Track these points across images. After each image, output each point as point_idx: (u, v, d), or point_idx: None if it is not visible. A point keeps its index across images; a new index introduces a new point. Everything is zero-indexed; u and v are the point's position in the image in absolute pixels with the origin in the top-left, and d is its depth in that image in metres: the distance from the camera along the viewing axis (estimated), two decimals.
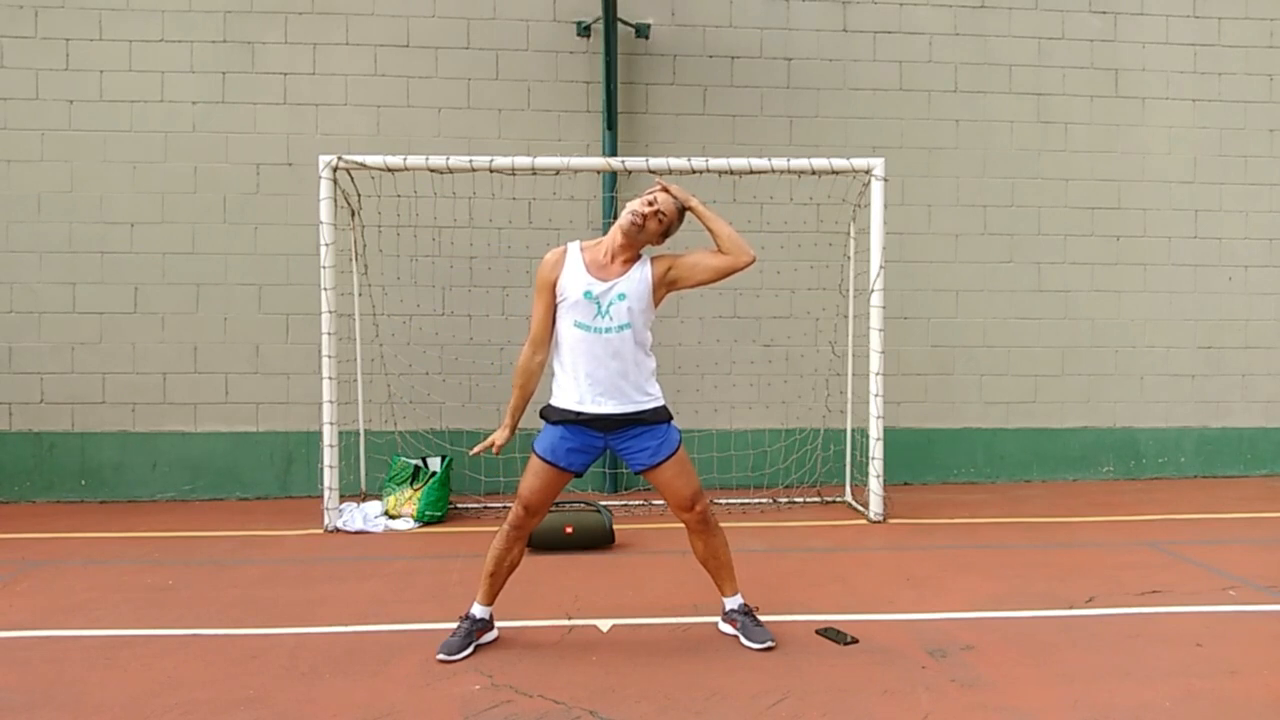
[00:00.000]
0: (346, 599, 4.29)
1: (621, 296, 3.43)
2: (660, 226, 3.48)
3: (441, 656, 3.44)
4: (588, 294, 3.43)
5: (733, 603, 3.71)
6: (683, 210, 3.55)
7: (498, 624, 3.71)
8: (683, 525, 3.66)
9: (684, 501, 3.53)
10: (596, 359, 3.43)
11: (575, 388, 3.47)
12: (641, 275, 3.48)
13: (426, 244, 6.80)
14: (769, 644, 3.55)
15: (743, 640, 3.61)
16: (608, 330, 3.42)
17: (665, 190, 3.50)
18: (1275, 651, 3.56)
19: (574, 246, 3.56)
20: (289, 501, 6.73)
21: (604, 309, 3.42)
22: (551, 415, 3.54)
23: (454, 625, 3.60)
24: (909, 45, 7.25)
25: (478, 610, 3.60)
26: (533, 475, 3.51)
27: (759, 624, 3.64)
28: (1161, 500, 6.64)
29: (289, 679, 3.32)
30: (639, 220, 3.43)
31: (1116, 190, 7.43)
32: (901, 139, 7.21)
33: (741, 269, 3.50)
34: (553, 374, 3.59)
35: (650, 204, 3.45)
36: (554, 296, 3.49)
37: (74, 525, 6.03)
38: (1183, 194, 7.48)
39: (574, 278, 3.46)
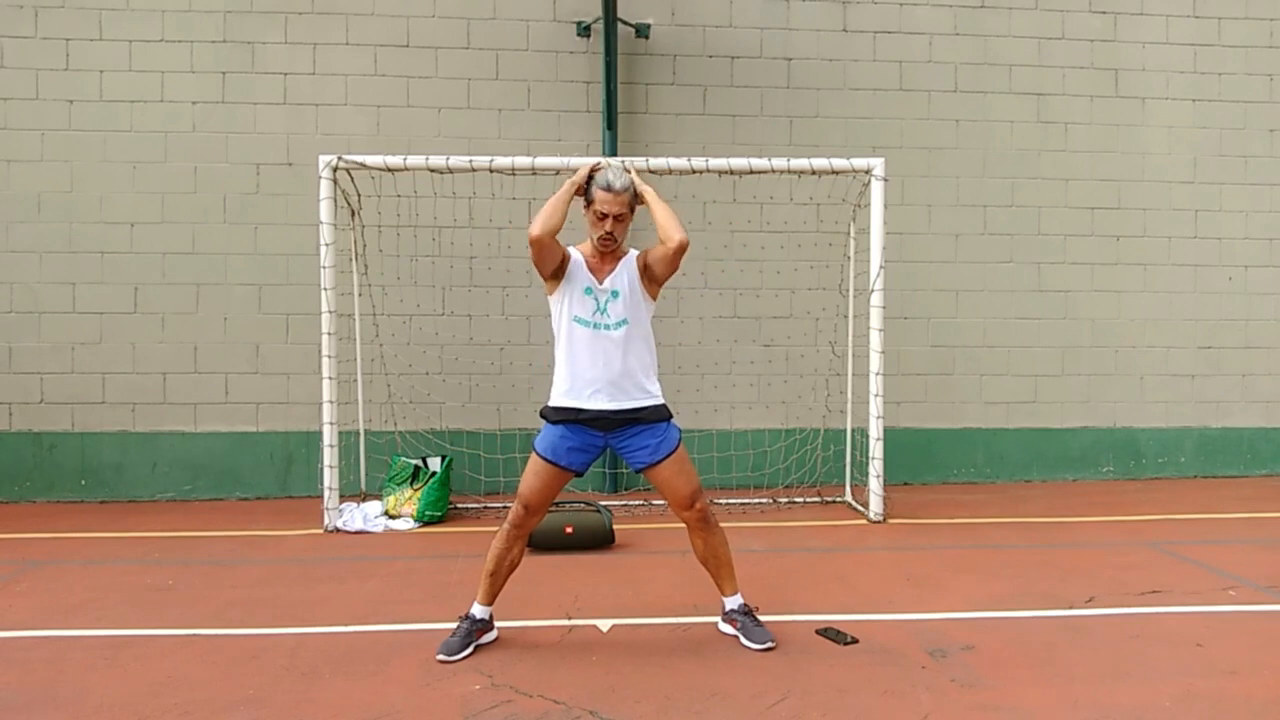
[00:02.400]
0: (346, 599, 4.29)
1: (615, 294, 3.52)
2: (626, 224, 3.53)
3: (441, 657, 3.44)
4: (588, 290, 3.51)
5: (733, 602, 3.71)
6: (633, 192, 3.53)
7: (498, 624, 3.71)
8: (682, 525, 3.67)
9: (683, 500, 3.55)
10: (595, 355, 3.48)
11: (575, 385, 3.51)
12: (629, 270, 3.56)
13: (426, 244, 6.80)
14: (769, 644, 3.56)
15: (743, 640, 3.61)
16: (607, 327, 3.49)
17: (596, 169, 3.50)
18: (1275, 651, 3.56)
19: (573, 251, 3.59)
20: (289, 501, 6.73)
21: (602, 306, 3.50)
22: (552, 415, 3.56)
23: (454, 625, 3.60)
24: (909, 45, 7.25)
25: (478, 610, 3.60)
26: (533, 475, 3.53)
27: (759, 624, 3.64)
28: (1161, 500, 6.64)
29: (289, 679, 3.32)
30: (609, 240, 3.49)
31: (1116, 190, 7.43)
32: (901, 139, 7.21)
33: (680, 251, 3.47)
34: (552, 371, 3.62)
35: (602, 219, 3.45)
36: (563, 261, 3.51)
37: (74, 525, 6.03)
38: (1183, 194, 7.48)
39: (578, 270, 3.53)
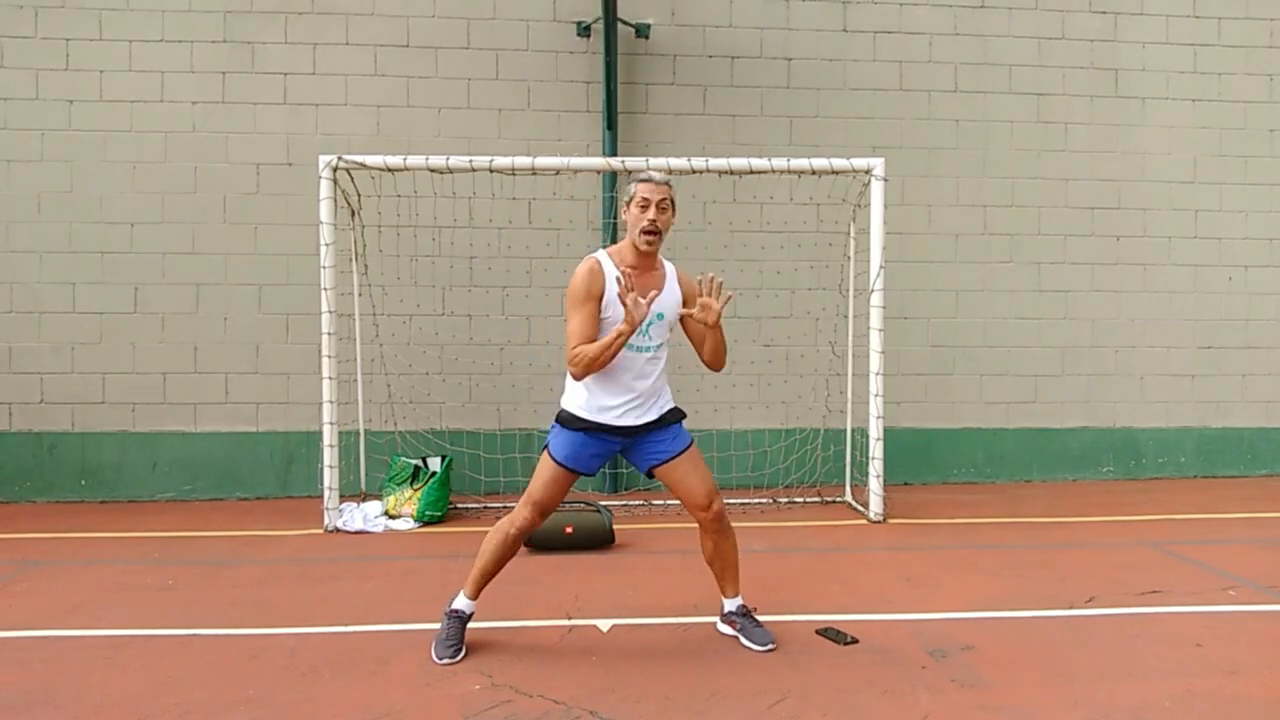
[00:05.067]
0: (346, 599, 4.29)
1: (660, 316, 3.40)
2: (669, 216, 3.40)
3: (445, 661, 3.42)
4: None
5: (732, 604, 3.71)
6: (671, 200, 3.42)
7: (499, 624, 3.73)
8: (684, 524, 3.66)
9: (700, 501, 3.48)
10: (629, 377, 3.40)
11: (604, 403, 3.40)
12: (674, 292, 3.47)
13: (426, 244, 6.80)
14: (770, 645, 3.55)
15: (743, 641, 3.61)
16: (647, 349, 3.42)
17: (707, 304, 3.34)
18: (1275, 651, 3.56)
19: (605, 258, 3.41)
20: (289, 501, 6.73)
21: (645, 328, 3.38)
22: (575, 423, 3.44)
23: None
24: (909, 45, 7.25)
25: (466, 605, 3.56)
26: (551, 482, 3.45)
27: (759, 624, 3.64)
28: (1161, 500, 6.64)
29: (289, 679, 3.32)
30: (653, 234, 3.35)
31: (1116, 190, 7.43)
32: (901, 139, 7.21)
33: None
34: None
35: (644, 208, 3.34)
36: (600, 308, 3.34)
37: (74, 525, 6.03)
38: (1183, 194, 7.48)
39: (616, 294, 3.33)
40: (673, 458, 3.48)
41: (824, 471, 6.98)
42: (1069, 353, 7.44)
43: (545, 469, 3.47)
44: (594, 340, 3.29)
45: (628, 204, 3.41)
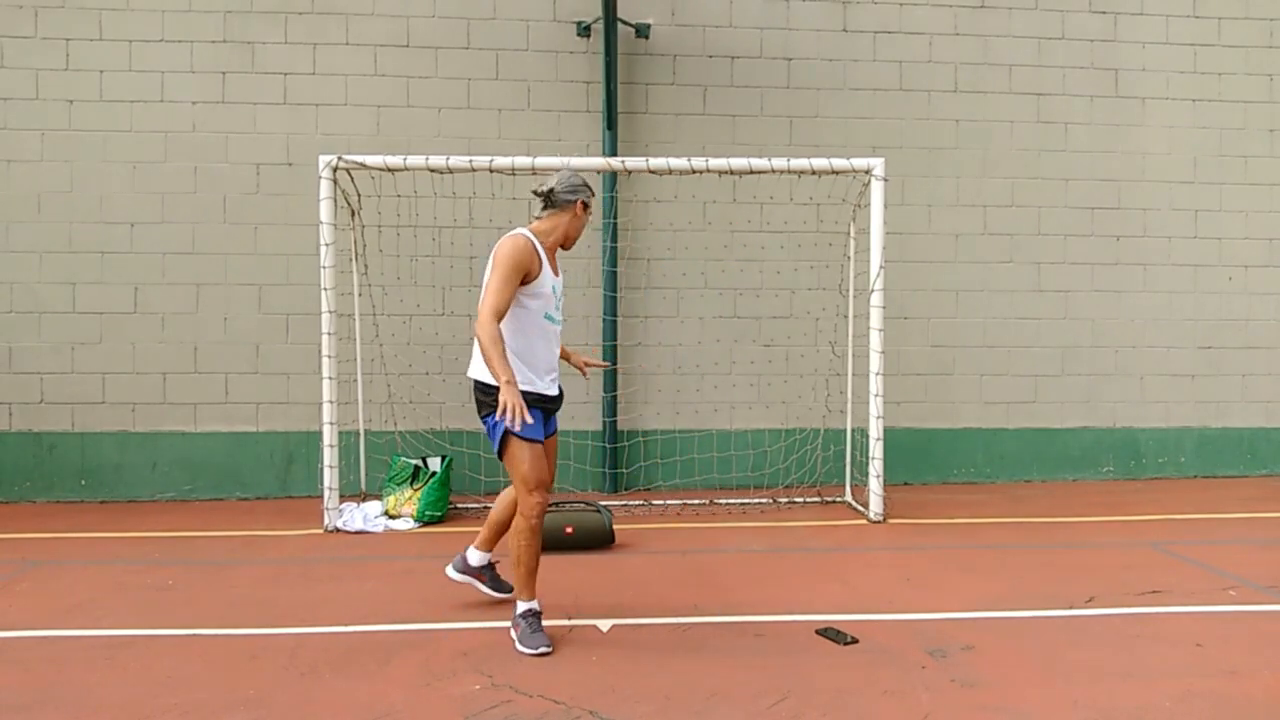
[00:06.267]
0: (346, 599, 4.29)
1: (564, 294, 3.90)
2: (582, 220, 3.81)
3: (544, 649, 3.49)
4: (554, 288, 3.70)
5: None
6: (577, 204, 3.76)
7: (498, 625, 3.73)
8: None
9: (546, 479, 3.71)
10: (552, 348, 3.75)
11: (543, 373, 3.69)
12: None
13: (426, 244, 6.80)
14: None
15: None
16: (560, 323, 3.81)
17: None
18: (1275, 651, 3.56)
19: (536, 241, 3.65)
20: (289, 501, 6.73)
21: (558, 304, 3.76)
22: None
23: (455, 626, 3.61)
24: (909, 45, 7.25)
25: (535, 603, 3.64)
26: (535, 457, 3.55)
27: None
28: (1161, 500, 6.64)
29: (289, 679, 3.32)
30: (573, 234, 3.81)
31: (1116, 190, 7.43)
32: (901, 139, 7.21)
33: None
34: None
35: (590, 215, 3.83)
36: (531, 285, 3.59)
37: (74, 525, 6.03)
38: (1183, 194, 7.48)
39: (547, 271, 3.66)
40: (554, 433, 3.83)
41: (824, 471, 6.98)
42: (1069, 353, 7.44)
43: (523, 451, 3.52)
44: (504, 314, 3.47)
45: (577, 205, 3.72)
